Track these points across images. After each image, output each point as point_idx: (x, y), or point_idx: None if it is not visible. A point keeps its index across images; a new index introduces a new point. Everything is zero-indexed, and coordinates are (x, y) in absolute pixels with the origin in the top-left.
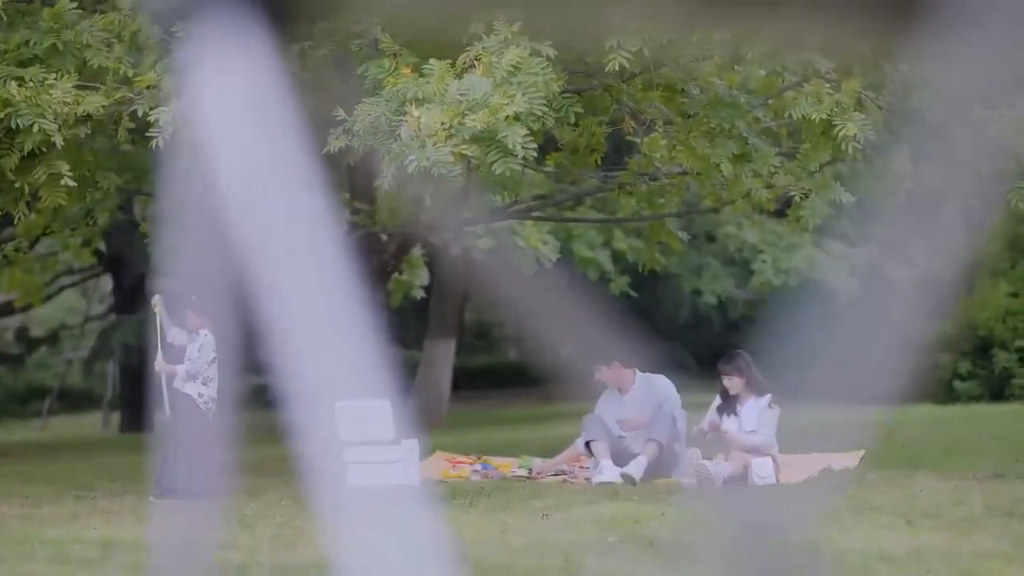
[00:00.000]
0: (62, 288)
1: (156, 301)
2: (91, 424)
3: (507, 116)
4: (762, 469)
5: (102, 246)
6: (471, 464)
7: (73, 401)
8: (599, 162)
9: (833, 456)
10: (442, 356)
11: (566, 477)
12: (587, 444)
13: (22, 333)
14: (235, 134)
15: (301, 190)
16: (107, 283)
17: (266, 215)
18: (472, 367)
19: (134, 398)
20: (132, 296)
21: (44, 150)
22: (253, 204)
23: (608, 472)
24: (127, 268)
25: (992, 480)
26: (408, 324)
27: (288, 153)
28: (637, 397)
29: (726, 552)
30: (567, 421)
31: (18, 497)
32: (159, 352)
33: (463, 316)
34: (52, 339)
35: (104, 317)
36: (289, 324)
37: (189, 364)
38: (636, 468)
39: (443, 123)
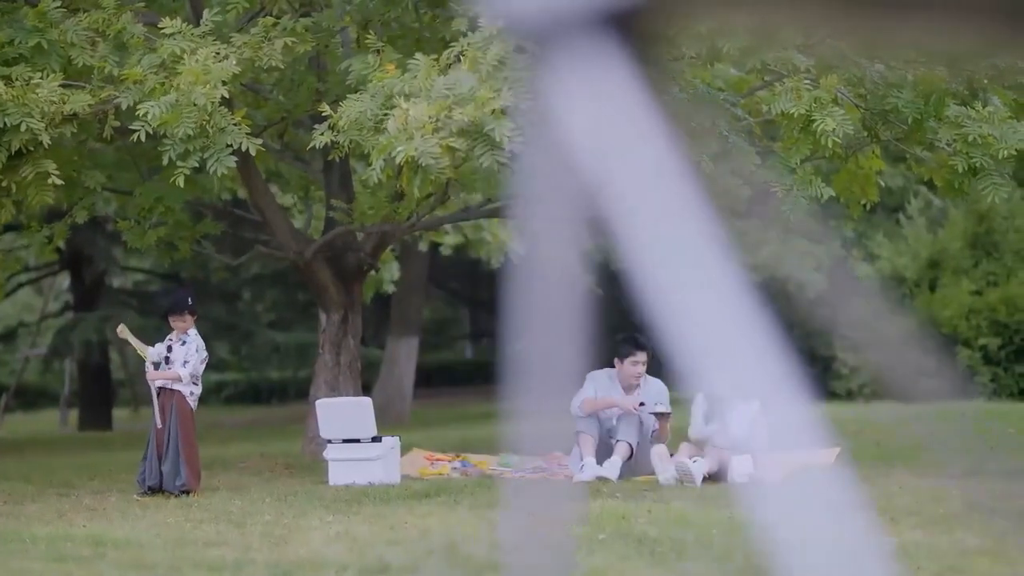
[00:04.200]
0: (20, 285)
1: (121, 329)
2: (48, 421)
3: (493, 110)
4: (741, 467)
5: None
6: (450, 461)
7: (29, 398)
8: None
9: (809, 454)
10: (405, 353)
11: (546, 474)
12: (576, 435)
13: None
14: (611, 149)
15: (685, 203)
16: (63, 280)
17: (652, 225)
18: (428, 365)
19: (93, 395)
20: (92, 293)
21: (31, 149)
22: (639, 217)
23: (588, 472)
24: (88, 265)
25: (968, 477)
26: (366, 322)
27: (665, 167)
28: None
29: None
30: (534, 419)
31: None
32: (148, 365)
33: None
34: (8, 336)
35: (59, 314)
36: (688, 330)
37: (191, 367)
38: (611, 469)
39: (430, 116)
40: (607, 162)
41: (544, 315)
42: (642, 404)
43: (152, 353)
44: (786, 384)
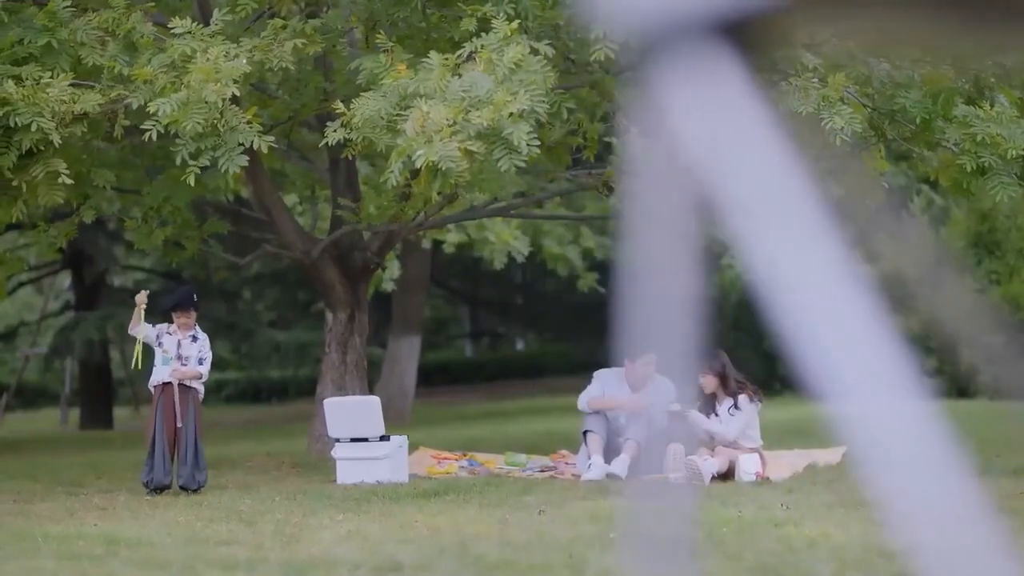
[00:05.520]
0: (21, 284)
1: (141, 298)
2: (48, 420)
3: (511, 113)
4: (748, 465)
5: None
6: (457, 460)
7: (28, 397)
8: (586, 160)
9: (816, 452)
10: (407, 352)
11: (553, 473)
12: (584, 434)
13: None
14: (725, 154)
15: (802, 206)
16: (64, 279)
17: (770, 229)
18: (428, 364)
19: (94, 394)
20: (93, 292)
21: (41, 148)
22: (756, 221)
23: (596, 471)
24: (89, 264)
25: (974, 477)
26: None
27: (784, 174)
28: (650, 395)
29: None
30: (534, 417)
31: (9, 494)
32: (176, 361)
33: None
34: (8, 336)
35: (60, 313)
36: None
37: (208, 363)
38: (620, 467)
39: (448, 119)
40: (721, 167)
41: (656, 317)
42: (674, 409)
43: (137, 329)
44: (906, 382)
